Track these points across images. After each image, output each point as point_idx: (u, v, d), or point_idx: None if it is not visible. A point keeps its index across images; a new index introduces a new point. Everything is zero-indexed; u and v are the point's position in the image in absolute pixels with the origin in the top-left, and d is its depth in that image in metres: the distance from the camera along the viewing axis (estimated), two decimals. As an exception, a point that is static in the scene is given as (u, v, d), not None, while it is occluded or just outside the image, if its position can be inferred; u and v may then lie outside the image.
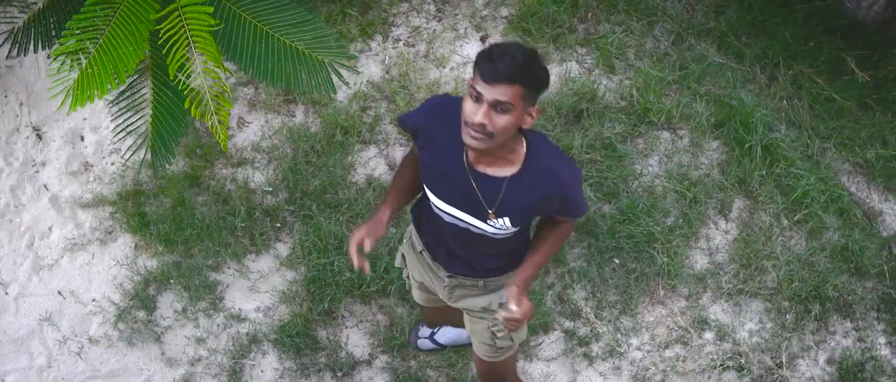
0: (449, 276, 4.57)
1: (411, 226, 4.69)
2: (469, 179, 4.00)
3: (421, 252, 4.65)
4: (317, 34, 5.07)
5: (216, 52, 4.63)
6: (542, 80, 3.72)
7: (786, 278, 6.26)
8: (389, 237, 6.25)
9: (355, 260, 4.17)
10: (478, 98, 3.65)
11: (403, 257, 4.92)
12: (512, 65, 3.58)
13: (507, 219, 4.09)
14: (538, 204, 4.05)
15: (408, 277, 5.01)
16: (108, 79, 4.50)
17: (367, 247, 4.14)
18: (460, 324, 5.51)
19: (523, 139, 3.94)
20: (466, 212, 4.12)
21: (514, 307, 4.13)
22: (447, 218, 4.21)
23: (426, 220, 4.48)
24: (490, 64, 3.60)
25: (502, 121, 3.67)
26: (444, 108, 4.04)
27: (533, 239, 4.43)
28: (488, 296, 4.59)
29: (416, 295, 5.14)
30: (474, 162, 3.95)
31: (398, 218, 6.30)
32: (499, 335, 4.74)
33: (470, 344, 5.52)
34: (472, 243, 4.29)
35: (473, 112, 3.67)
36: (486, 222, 4.10)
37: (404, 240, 4.89)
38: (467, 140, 3.74)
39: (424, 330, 6.05)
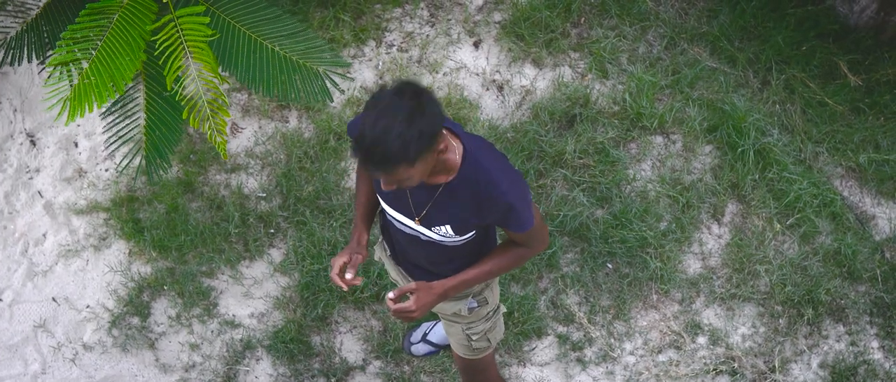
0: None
1: None
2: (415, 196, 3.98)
3: (389, 256, 4.64)
4: (310, 44, 5.09)
5: (213, 61, 4.65)
6: (421, 145, 3.45)
7: (779, 282, 6.27)
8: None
9: (342, 284, 4.15)
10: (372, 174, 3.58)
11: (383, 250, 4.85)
12: (381, 162, 3.43)
13: (448, 227, 4.02)
14: (476, 213, 3.95)
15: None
16: (105, 90, 4.51)
17: (349, 275, 4.15)
18: None
19: (460, 146, 3.85)
20: (407, 216, 4.08)
21: (410, 303, 4.08)
22: (398, 224, 4.19)
23: (385, 226, 4.48)
24: (361, 160, 3.47)
25: (410, 180, 3.59)
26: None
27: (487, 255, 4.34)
28: (457, 303, 4.54)
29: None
30: None
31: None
32: (474, 338, 4.74)
33: None
34: (425, 250, 4.25)
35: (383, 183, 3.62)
36: (429, 228, 4.05)
37: (379, 237, 4.83)
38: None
39: (416, 335, 6.06)
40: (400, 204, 4.06)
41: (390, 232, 4.42)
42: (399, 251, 4.48)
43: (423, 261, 4.40)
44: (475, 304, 4.56)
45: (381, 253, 4.86)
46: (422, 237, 4.14)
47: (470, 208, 3.94)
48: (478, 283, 4.34)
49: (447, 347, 6.01)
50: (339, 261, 4.17)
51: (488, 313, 4.71)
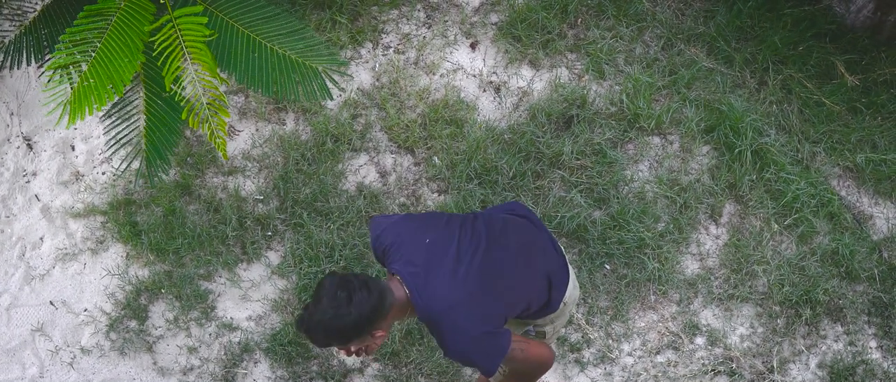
0: None
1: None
2: None
3: None
4: (308, 43, 5.08)
5: (212, 61, 4.64)
6: (355, 330, 4.00)
7: (776, 282, 6.27)
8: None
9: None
10: None
11: None
12: (322, 342, 4.07)
13: None
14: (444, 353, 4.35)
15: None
16: (105, 92, 4.50)
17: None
18: None
19: (408, 300, 4.21)
20: None
21: None
22: None
23: None
24: (307, 338, 4.11)
25: (358, 351, 4.18)
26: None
27: None
28: (515, 326, 4.63)
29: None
30: None
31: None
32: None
33: None
34: None
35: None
36: None
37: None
38: None
39: None
40: None
41: None
42: None
43: None
44: (533, 333, 4.62)
45: None
46: None
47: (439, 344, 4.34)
48: None
49: None
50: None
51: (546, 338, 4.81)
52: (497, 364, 4.22)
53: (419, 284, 4.13)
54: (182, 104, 4.64)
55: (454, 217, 4.46)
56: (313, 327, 3.95)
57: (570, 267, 4.69)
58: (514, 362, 4.37)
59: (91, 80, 4.47)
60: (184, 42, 4.57)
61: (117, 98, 4.85)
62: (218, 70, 4.79)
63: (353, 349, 4.13)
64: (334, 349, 6.03)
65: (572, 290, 4.68)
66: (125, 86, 4.58)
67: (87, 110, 4.44)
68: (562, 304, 4.62)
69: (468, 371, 6.02)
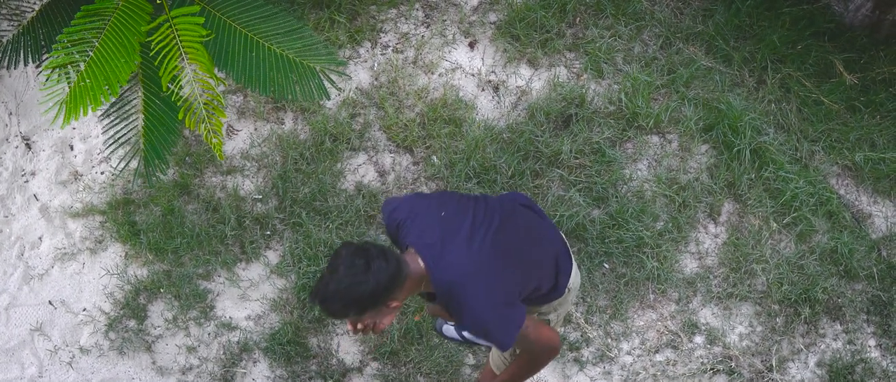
0: None
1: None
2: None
3: None
4: (306, 42, 5.08)
5: (208, 61, 4.64)
6: (371, 299, 3.91)
7: (775, 281, 6.27)
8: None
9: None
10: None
11: None
12: (335, 312, 3.93)
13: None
14: (463, 330, 4.45)
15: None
16: (101, 92, 4.50)
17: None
18: None
19: (424, 272, 4.14)
20: None
21: None
22: None
23: None
24: (319, 307, 3.94)
25: (365, 325, 4.03)
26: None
27: None
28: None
29: (497, 358, 5.23)
30: None
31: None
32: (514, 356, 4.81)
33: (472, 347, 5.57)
34: None
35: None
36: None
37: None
38: None
39: None
40: None
41: None
42: None
43: None
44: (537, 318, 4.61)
45: None
46: None
47: (457, 320, 4.28)
48: None
49: (470, 345, 5.97)
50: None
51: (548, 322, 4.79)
52: (513, 337, 4.18)
53: (435, 255, 4.08)
54: (179, 104, 4.64)
55: (466, 195, 4.46)
56: (330, 295, 3.86)
57: (571, 254, 4.69)
58: (525, 341, 4.33)
59: (88, 80, 4.47)
60: (180, 42, 4.57)
61: (115, 98, 4.85)
62: (215, 69, 4.79)
63: (365, 322, 4.03)
64: (344, 329, 6.06)
65: (575, 277, 4.68)
66: (122, 85, 4.58)
67: (83, 110, 4.44)
68: (567, 290, 4.62)
69: (466, 370, 6.02)
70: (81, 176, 6.53)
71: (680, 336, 6.18)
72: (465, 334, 5.89)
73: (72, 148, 6.61)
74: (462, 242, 4.14)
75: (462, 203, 4.34)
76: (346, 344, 6.12)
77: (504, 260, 4.21)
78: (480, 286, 4.10)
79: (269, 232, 6.36)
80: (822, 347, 6.23)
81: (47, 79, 4.52)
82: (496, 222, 4.26)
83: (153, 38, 4.57)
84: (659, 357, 6.15)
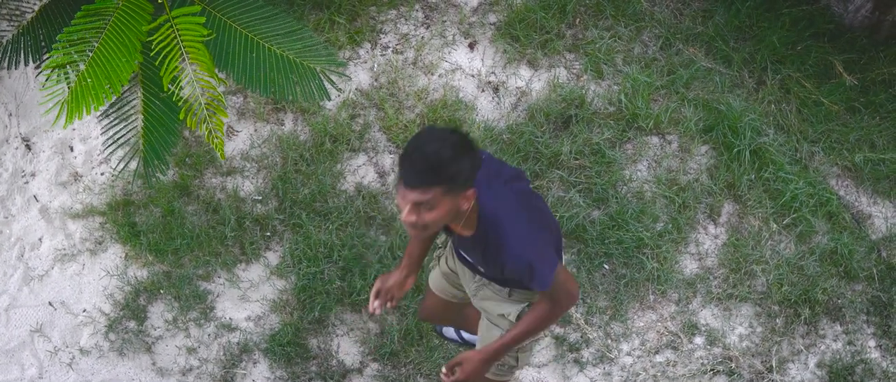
0: (479, 276, 4.60)
1: None
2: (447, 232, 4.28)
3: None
4: (306, 43, 5.08)
5: (209, 61, 4.64)
6: (462, 173, 3.71)
7: (775, 282, 6.27)
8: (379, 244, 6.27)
9: (375, 306, 4.40)
10: (402, 197, 3.73)
11: (445, 240, 4.98)
12: (424, 170, 3.65)
13: (480, 269, 4.36)
14: (499, 273, 4.21)
15: (438, 258, 5.05)
16: (102, 92, 4.50)
17: (390, 305, 4.44)
18: (461, 327, 5.58)
19: (478, 207, 4.03)
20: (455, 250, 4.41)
21: (459, 374, 4.47)
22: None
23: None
24: (404, 167, 3.68)
25: (430, 216, 3.76)
26: None
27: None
28: (511, 305, 4.57)
29: (435, 280, 5.12)
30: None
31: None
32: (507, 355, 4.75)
33: None
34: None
35: (402, 209, 3.77)
36: (459, 256, 4.39)
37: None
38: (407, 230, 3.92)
39: None
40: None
41: None
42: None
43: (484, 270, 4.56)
44: (520, 310, 4.58)
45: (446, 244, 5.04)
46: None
47: (493, 269, 4.21)
48: (517, 344, 4.57)
49: (469, 346, 5.95)
50: (383, 288, 4.51)
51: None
52: (552, 274, 4.10)
53: (483, 185, 4.03)
54: (180, 104, 4.64)
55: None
56: (427, 151, 3.63)
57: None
58: (555, 283, 4.21)
59: (88, 80, 4.47)
60: (181, 42, 4.58)
61: (115, 98, 4.85)
62: (216, 70, 4.79)
63: (424, 213, 3.79)
64: (344, 329, 6.05)
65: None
66: (122, 86, 4.58)
67: (84, 110, 4.44)
68: None
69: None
70: (81, 177, 6.53)
71: (680, 337, 6.18)
72: (465, 335, 5.90)
73: (72, 149, 6.61)
74: (502, 184, 4.11)
75: (491, 158, 4.31)
76: (346, 345, 6.12)
77: (539, 213, 4.23)
78: (523, 222, 4.06)
79: (269, 234, 6.36)
80: (822, 348, 6.23)
81: (47, 80, 4.52)
82: (523, 183, 4.25)
83: (154, 37, 4.58)
84: (659, 358, 6.15)
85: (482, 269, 4.38)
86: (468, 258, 4.41)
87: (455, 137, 3.68)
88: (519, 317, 4.55)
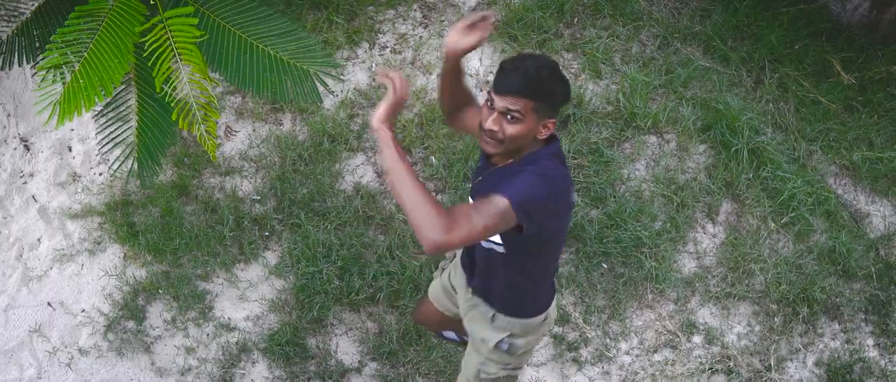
0: (473, 293, 4.57)
1: None
2: (479, 172, 4.20)
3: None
4: (301, 44, 5.09)
5: (202, 62, 4.65)
6: (555, 95, 3.81)
7: (773, 281, 6.27)
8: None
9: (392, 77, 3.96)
10: (491, 105, 3.80)
11: (453, 255, 4.97)
12: (522, 80, 3.72)
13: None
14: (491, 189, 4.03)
15: (441, 270, 5.04)
16: (95, 92, 4.51)
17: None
18: (461, 332, 5.57)
19: (534, 147, 3.98)
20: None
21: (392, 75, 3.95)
22: None
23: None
24: (502, 76, 3.76)
25: (512, 129, 3.80)
26: None
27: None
28: (492, 332, 4.55)
29: (435, 291, 5.10)
30: (491, 159, 4.08)
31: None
32: (482, 376, 4.72)
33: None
34: (484, 263, 4.36)
35: (486, 118, 3.82)
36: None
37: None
38: (482, 144, 3.90)
39: None
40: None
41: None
42: (473, 262, 4.51)
43: (482, 274, 4.46)
44: (505, 346, 4.56)
45: (452, 259, 4.97)
46: (483, 242, 4.22)
47: (489, 185, 4.02)
48: (395, 177, 3.74)
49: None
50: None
51: (509, 364, 4.70)
52: (519, 195, 3.72)
53: (555, 147, 4.02)
54: (173, 105, 4.65)
55: None
56: (528, 65, 3.74)
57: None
58: (491, 207, 3.73)
59: (82, 80, 4.48)
60: (174, 43, 4.59)
61: (111, 98, 4.86)
62: (209, 71, 4.80)
63: (509, 127, 3.78)
64: (343, 329, 6.05)
65: (554, 307, 4.64)
66: (115, 86, 4.59)
67: (77, 110, 4.45)
68: (546, 315, 4.57)
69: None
70: (80, 177, 6.54)
71: (678, 336, 6.18)
72: (465, 336, 5.91)
73: (70, 149, 6.62)
74: (563, 164, 4.05)
75: None
76: (344, 345, 6.12)
77: (564, 204, 4.06)
78: (548, 184, 3.87)
79: (267, 233, 6.37)
80: (821, 346, 6.23)
81: (43, 80, 4.53)
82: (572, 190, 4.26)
83: (147, 38, 4.58)
84: (657, 357, 6.15)
85: (480, 187, 4.12)
86: (479, 185, 4.16)
87: (555, 62, 3.81)
88: (496, 347, 4.53)
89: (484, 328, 4.57)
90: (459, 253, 4.78)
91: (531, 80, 3.73)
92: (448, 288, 4.93)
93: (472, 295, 4.58)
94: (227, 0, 5.10)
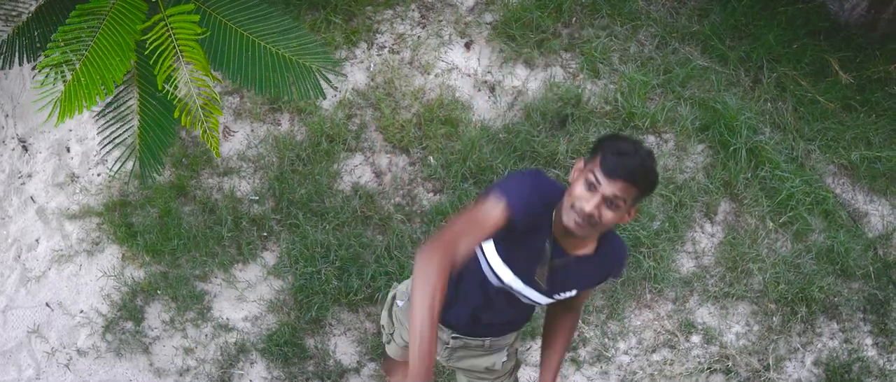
0: (455, 337, 4.44)
1: (401, 286, 4.65)
2: (548, 256, 3.91)
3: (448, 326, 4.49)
4: (302, 41, 5.08)
5: (204, 60, 4.63)
6: (654, 187, 3.69)
7: (772, 280, 6.28)
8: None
9: None
10: (592, 187, 3.59)
11: (391, 316, 4.80)
12: (638, 169, 3.55)
13: (572, 292, 4.07)
14: (600, 280, 4.09)
15: (391, 335, 4.87)
16: (96, 91, 4.50)
17: None
18: None
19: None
20: (531, 287, 4.01)
21: None
22: (497, 284, 4.05)
23: (456, 284, 4.20)
24: (617, 158, 3.55)
25: (609, 215, 3.61)
26: (546, 187, 3.87)
27: (546, 334, 4.40)
28: (492, 356, 4.55)
29: (394, 350, 4.97)
30: (561, 240, 3.87)
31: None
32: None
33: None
34: (510, 307, 4.21)
35: (586, 200, 3.60)
36: (550, 297, 4.05)
37: (393, 302, 4.76)
38: (570, 223, 3.67)
39: None
40: (523, 267, 3.97)
41: (461, 291, 4.21)
42: (464, 308, 4.29)
43: (499, 319, 4.35)
44: (505, 357, 4.57)
45: (391, 319, 4.84)
46: (523, 299, 4.09)
47: (600, 275, 4.07)
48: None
49: None
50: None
51: (510, 369, 4.71)
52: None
53: None
54: (175, 103, 4.64)
55: None
56: (642, 154, 3.59)
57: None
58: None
59: (83, 79, 4.47)
60: (176, 41, 4.57)
61: (111, 97, 4.85)
62: (211, 69, 4.79)
63: (610, 213, 3.64)
64: (342, 329, 6.04)
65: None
66: (117, 85, 4.58)
67: (77, 109, 4.44)
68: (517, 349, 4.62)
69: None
70: (78, 177, 6.53)
71: (677, 336, 6.18)
72: None
73: (68, 150, 6.61)
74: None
75: None
76: (343, 345, 6.12)
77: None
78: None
79: (265, 234, 6.36)
80: (819, 346, 6.23)
81: (44, 79, 4.52)
82: None
83: (148, 36, 4.57)
84: (656, 357, 6.16)
85: (572, 291, 4.09)
86: (561, 281, 4.03)
87: (652, 153, 3.66)
88: (505, 362, 4.54)
89: (482, 357, 4.57)
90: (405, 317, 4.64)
91: (647, 172, 3.58)
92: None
93: (454, 340, 4.46)
94: (228, -3, 5.12)
